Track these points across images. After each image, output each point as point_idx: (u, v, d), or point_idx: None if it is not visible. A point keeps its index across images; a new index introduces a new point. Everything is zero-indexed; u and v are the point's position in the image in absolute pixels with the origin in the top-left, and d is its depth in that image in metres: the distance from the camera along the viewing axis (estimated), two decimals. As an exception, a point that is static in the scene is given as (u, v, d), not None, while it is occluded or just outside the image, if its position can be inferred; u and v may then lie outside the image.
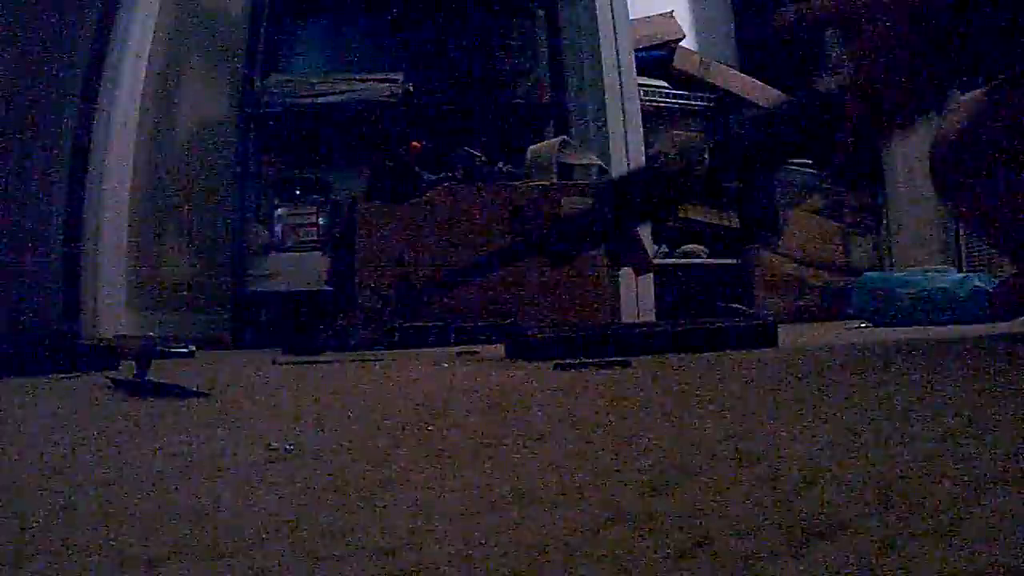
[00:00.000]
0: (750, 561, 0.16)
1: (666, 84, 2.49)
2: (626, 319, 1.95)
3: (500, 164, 1.73)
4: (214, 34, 2.25)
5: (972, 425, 0.30)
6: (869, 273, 1.71)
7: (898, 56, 0.61)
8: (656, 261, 2.03)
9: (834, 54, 2.57)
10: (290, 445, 0.33)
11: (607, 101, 2.13)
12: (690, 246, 2.33)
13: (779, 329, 0.93)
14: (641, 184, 0.88)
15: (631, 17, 2.23)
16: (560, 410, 0.43)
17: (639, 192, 0.87)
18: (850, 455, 0.26)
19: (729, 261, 2.34)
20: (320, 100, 2.12)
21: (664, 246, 2.29)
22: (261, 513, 0.23)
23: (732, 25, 2.82)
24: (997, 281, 1.21)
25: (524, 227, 1.45)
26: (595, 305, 1.58)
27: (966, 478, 0.22)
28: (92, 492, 0.27)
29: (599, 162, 1.82)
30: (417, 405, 0.49)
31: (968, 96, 0.80)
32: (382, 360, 1.02)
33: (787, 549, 0.17)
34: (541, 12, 2.34)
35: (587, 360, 0.72)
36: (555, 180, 1.68)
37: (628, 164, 2.06)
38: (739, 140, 0.83)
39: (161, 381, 0.61)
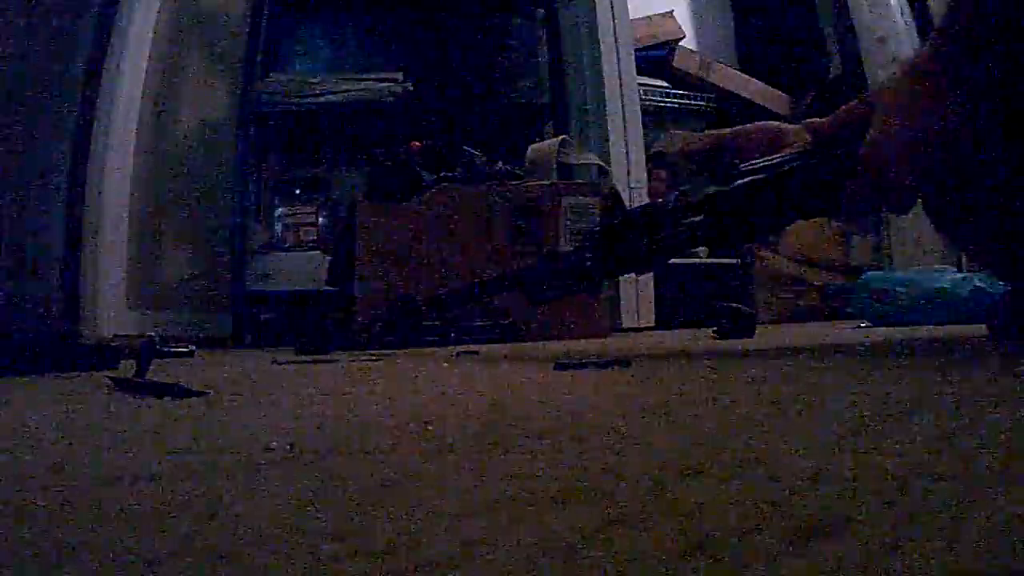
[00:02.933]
0: (750, 561, 0.16)
1: (666, 84, 2.49)
2: (626, 319, 1.95)
3: (500, 164, 1.73)
4: (214, 34, 2.25)
5: (972, 425, 0.30)
6: (869, 273, 1.70)
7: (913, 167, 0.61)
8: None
9: (835, 52, 2.58)
10: (290, 445, 0.33)
11: (607, 101, 2.12)
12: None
13: (780, 329, 0.93)
14: (627, 233, 0.83)
15: (631, 17, 2.23)
16: (560, 410, 0.43)
17: (622, 244, 0.83)
18: (850, 455, 0.26)
19: (729, 261, 2.34)
20: (320, 100, 2.12)
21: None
22: (261, 513, 0.23)
23: (732, 25, 2.82)
24: (997, 295, 1.20)
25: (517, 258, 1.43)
26: (595, 305, 1.58)
27: (966, 478, 0.22)
28: (92, 491, 0.27)
29: (599, 162, 1.82)
30: (417, 405, 0.49)
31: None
32: (382, 360, 1.02)
33: (787, 549, 0.17)
34: (541, 12, 2.34)
35: (587, 360, 0.73)
36: (555, 180, 1.68)
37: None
38: (742, 194, 0.73)
39: (161, 381, 0.61)
